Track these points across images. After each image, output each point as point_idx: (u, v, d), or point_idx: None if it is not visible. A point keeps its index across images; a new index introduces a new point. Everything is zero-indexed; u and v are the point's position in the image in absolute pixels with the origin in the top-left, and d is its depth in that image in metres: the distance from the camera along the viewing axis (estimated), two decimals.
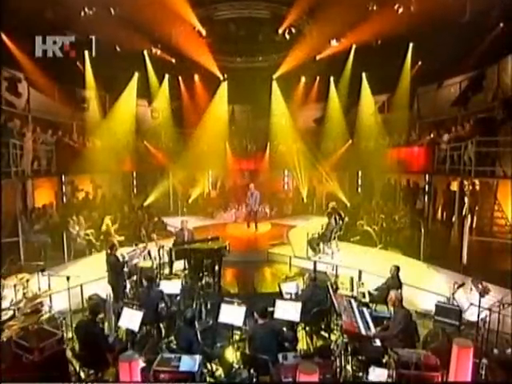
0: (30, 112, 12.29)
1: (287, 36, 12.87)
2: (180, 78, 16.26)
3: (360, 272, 8.96)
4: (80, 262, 9.88)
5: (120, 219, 12.56)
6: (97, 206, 13.36)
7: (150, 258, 8.81)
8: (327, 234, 9.91)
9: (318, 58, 14.01)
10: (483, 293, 6.37)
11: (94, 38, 11.13)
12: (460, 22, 11.66)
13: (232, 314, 6.33)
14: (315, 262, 9.59)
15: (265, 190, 17.30)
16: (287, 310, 6.37)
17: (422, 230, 10.17)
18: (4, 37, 11.35)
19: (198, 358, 4.79)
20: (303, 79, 16.88)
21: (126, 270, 7.94)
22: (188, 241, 8.99)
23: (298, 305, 6.34)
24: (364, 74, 15.72)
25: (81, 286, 8.17)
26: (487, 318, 6.18)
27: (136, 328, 6.11)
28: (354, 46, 14.16)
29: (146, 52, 14.25)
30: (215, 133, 16.71)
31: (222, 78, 15.75)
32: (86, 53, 13.30)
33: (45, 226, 10.42)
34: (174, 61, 14.45)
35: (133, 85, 15.17)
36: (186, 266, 9.01)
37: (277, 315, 6.35)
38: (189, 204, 16.41)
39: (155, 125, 16.79)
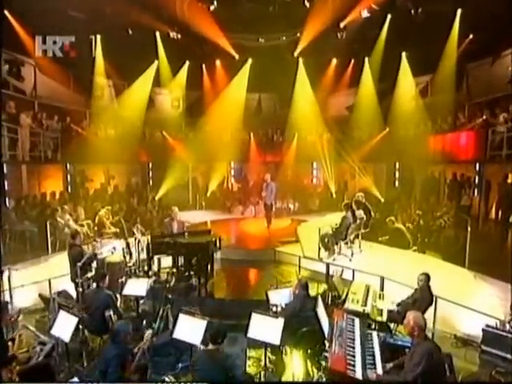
0: (37, 98, 11.40)
1: (307, 3, 10.85)
2: (192, 62, 14.69)
3: (382, 279, 6.85)
4: (64, 253, 8.63)
5: (125, 211, 11.34)
6: (105, 196, 12.25)
7: (130, 252, 7.34)
8: (342, 231, 7.81)
9: (341, 25, 11.82)
10: None
11: (93, 37, 10.16)
12: None
13: (190, 328, 4.65)
14: (328, 265, 7.59)
15: (291, 184, 15.56)
16: (264, 329, 4.55)
17: (469, 230, 7.75)
18: (13, 21, 10.57)
19: None
20: (334, 61, 14.77)
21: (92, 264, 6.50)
22: (171, 234, 7.40)
23: (280, 322, 4.50)
24: (404, 53, 13.37)
25: (49, 280, 6.92)
26: None
27: (66, 338, 4.63)
28: (388, 16, 11.85)
29: (158, 35, 12.87)
30: (238, 122, 15.17)
31: (237, 57, 13.99)
32: (98, 37, 12.41)
33: (37, 214, 9.36)
34: (179, 36, 12.82)
35: (150, 72, 13.94)
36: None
37: (251, 334, 4.57)
38: (207, 197, 14.91)
39: (175, 114, 15.51)
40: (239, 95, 14.71)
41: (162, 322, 5.71)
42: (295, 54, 13.52)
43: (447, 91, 12.06)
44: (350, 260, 7.82)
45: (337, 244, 7.97)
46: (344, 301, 5.55)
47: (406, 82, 13.31)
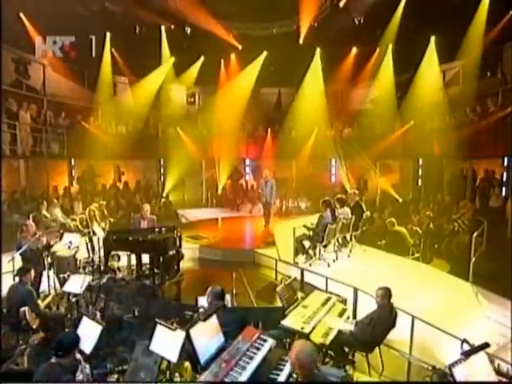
0: (46, 95, 11.52)
1: None
2: (209, 57, 14.03)
3: (356, 292, 5.68)
4: None
5: (125, 207, 11.11)
6: (110, 192, 12.11)
7: (93, 247, 6.93)
8: (319, 232, 6.68)
9: (341, 4, 10.51)
10: None
11: (93, 37, 9.88)
12: None
13: (86, 333, 4.02)
14: (302, 270, 6.57)
15: (307, 182, 14.49)
16: (166, 342, 3.74)
17: (474, 235, 6.24)
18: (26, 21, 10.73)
19: None
20: (354, 50, 13.42)
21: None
22: (127, 230, 6.84)
23: (179, 335, 3.66)
24: (433, 38, 11.74)
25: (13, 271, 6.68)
26: None
27: None
28: None
29: (163, 30, 12.45)
30: (254, 117, 14.62)
31: (240, 47, 13.22)
32: (108, 35, 12.34)
33: (32, 208, 9.35)
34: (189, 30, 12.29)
35: (162, 68, 13.61)
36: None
37: (152, 347, 3.78)
38: (219, 195, 14.32)
39: (191, 110, 15.13)
40: (249, 89, 13.91)
41: None
42: (300, 41, 12.29)
43: (477, 78, 10.36)
44: (329, 266, 6.68)
45: (316, 247, 6.86)
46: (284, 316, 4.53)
47: (432, 70, 11.69)
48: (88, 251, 7.05)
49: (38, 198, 10.07)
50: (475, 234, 6.29)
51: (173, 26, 12.06)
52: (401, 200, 11.24)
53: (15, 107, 9.96)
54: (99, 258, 6.82)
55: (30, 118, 10.18)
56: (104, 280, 5.64)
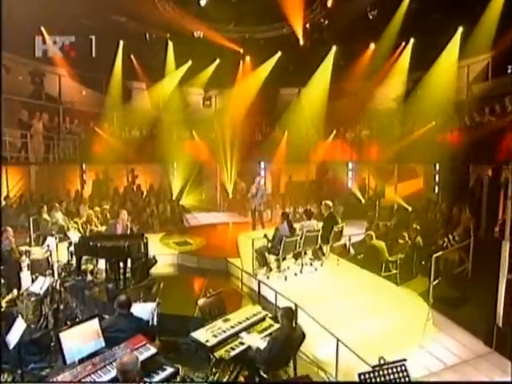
0: (62, 104, 12.75)
1: None
2: (225, 60, 14.42)
3: (296, 308, 5.69)
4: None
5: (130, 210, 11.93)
6: (119, 195, 13.07)
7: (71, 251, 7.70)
8: (276, 245, 6.72)
9: (329, 4, 10.24)
10: None
11: (93, 37, 10.51)
12: None
13: (15, 329, 4.66)
14: (259, 282, 6.73)
15: (323, 187, 14.43)
16: None
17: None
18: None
19: None
20: (372, 46, 13.03)
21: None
22: (98, 236, 7.48)
23: None
24: (460, 29, 11.09)
25: None
26: None
27: None
28: None
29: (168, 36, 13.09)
30: (272, 118, 14.91)
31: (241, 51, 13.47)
32: (121, 43, 13.27)
33: (37, 211, 10.46)
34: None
35: (177, 73, 14.30)
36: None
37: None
38: (230, 199, 14.72)
39: (207, 113, 15.68)
40: (265, 89, 14.26)
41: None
42: (300, 42, 12.19)
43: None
44: (286, 279, 6.73)
45: (279, 260, 6.95)
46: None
47: (454, 64, 11.04)
48: (68, 254, 7.83)
49: (44, 202, 11.22)
50: (437, 254, 5.93)
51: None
52: (410, 209, 10.74)
53: (27, 117, 11.17)
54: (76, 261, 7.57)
55: (42, 127, 11.35)
56: (54, 283, 6.29)
